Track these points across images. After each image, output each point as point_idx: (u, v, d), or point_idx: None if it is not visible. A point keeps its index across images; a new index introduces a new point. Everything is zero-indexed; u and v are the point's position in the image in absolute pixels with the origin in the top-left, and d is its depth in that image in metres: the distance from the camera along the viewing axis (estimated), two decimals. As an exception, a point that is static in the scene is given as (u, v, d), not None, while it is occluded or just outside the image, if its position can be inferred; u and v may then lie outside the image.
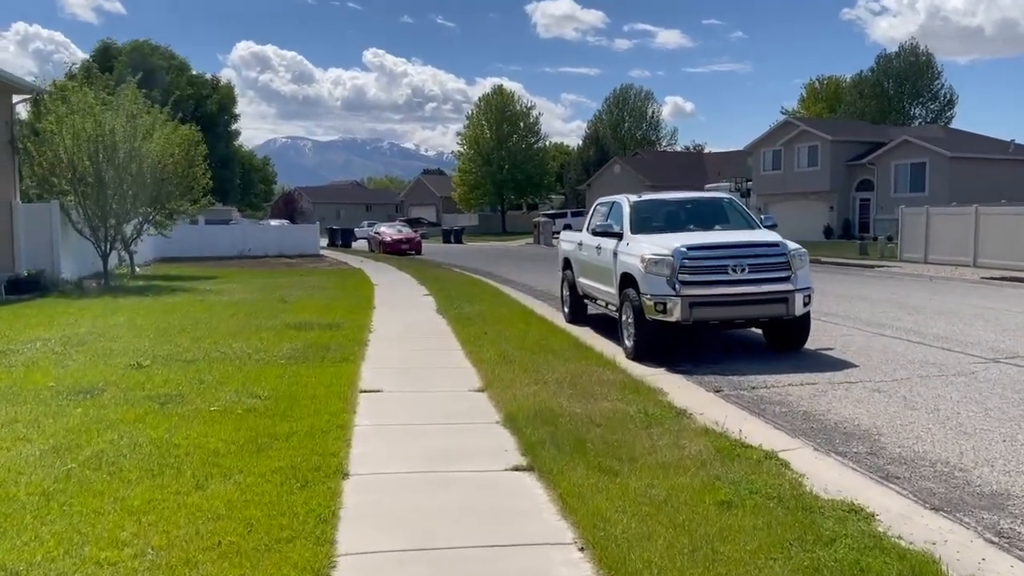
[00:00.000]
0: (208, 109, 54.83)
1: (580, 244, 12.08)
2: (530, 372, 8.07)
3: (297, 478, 4.78)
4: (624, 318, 9.62)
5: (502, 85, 72.36)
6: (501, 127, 69.32)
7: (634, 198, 10.97)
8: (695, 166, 63.36)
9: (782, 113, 71.58)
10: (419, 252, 38.54)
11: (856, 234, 38.78)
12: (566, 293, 12.88)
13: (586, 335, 10.91)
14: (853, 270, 24.22)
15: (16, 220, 17.95)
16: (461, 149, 71.70)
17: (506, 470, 5.10)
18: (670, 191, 13.13)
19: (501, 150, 68.67)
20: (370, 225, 55.53)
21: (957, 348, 9.62)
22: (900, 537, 4.08)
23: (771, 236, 9.66)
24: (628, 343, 9.48)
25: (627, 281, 9.57)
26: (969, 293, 16.70)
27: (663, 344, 9.17)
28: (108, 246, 19.45)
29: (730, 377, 8.22)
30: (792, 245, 9.28)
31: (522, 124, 70.58)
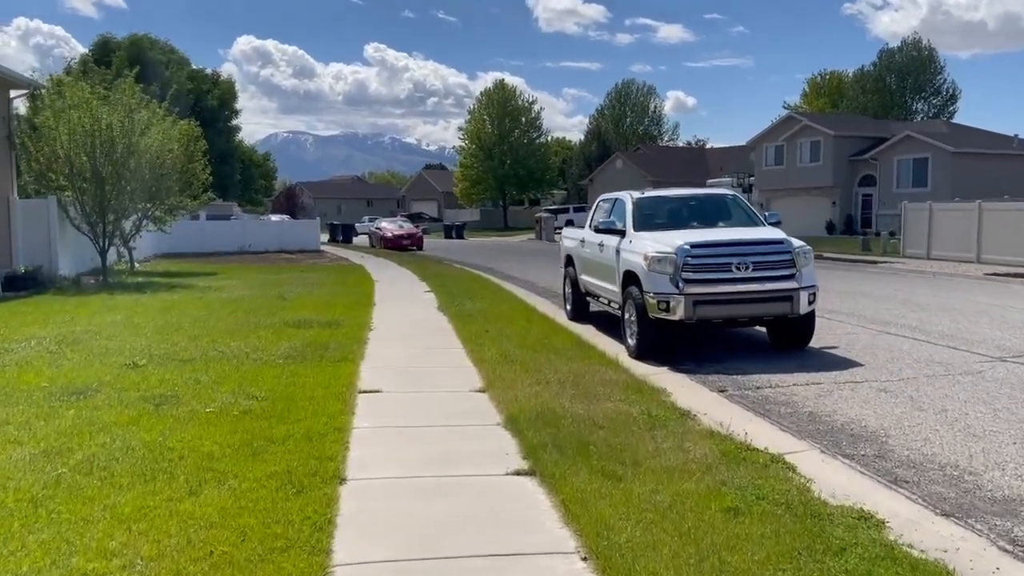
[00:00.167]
0: (208, 104, 54.75)
1: (582, 241, 11.96)
2: (532, 371, 7.95)
3: (293, 483, 4.67)
4: (627, 316, 9.51)
5: (504, 80, 72.22)
6: (503, 122, 69.09)
7: (637, 195, 10.85)
8: (697, 161, 63.21)
9: (784, 108, 71.35)
10: (420, 248, 38.41)
11: (858, 230, 38.65)
12: (568, 290, 12.77)
13: (588, 333, 10.79)
14: (856, 266, 24.10)
15: (13, 216, 17.82)
16: (463, 144, 71.51)
17: (507, 474, 4.99)
18: (672, 187, 13.02)
19: (503, 145, 68.46)
20: (371, 220, 55.41)
21: (963, 346, 9.50)
22: (911, 546, 3.97)
23: (775, 233, 9.54)
24: (631, 341, 9.37)
25: (630, 279, 9.46)
26: (973, 290, 16.58)
27: (666, 343, 9.07)
28: (106, 242, 19.33)
29: (734, 376, 8.11)
30: (797, 242, 9.15)
31: (524, 119, 70.35)
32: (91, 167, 18.15)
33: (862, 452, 5.65)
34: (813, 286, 9.05)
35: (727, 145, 67.34)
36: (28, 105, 20.22)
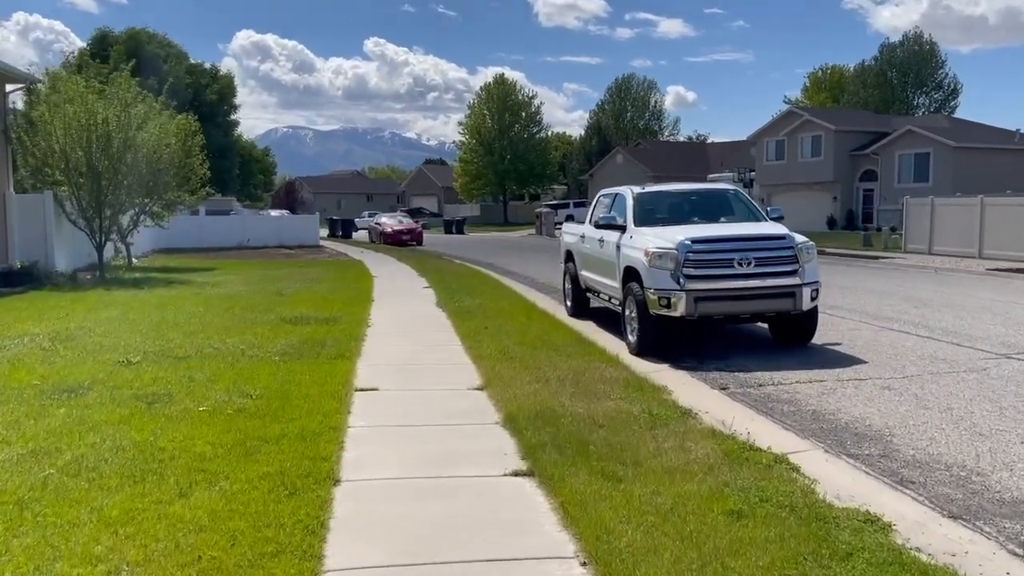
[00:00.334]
0: (207, 98, 54.51)
1: (583, 236, 11.84)
2: (531, 369, 7.85)
3: (286, 485, 4.56)
4: (627, 313, 9.40)
5: (504, 74, 71.94)
6: (503, 116, 68.89)
7: (638, 190, 10.74)
8: (698, 156, 63.05)
9: (785, 103, 71.17)
10: (420, 243, 38.29)
11: (859, 225, 38.50)
12: (568, 286, 12.65)
13: (588, 329, 10.68)
14: (857, 261, 23.99)
15: (9, 211, 17.69)
16: (463, 139, 71.31)
17: (505, 475, 4.88)
18: (673, 182, 12.90)
19: (503, 140, 68.27)
20: (371, 215, 55.24)
21: (967, 343, 9.40)
22: (919, 550, 3.87)
23: (778, 229, 9.43)
24: (631, 338, 9.26)
25: (631, 275, 9.35)
26: (975, 285, 16.47)
27: (667, 339, 8.96)
28: (103, 237, 19.19)
29: (736, 374, 8.01)
30: (799, 238, 9.04)
31: (524, 113, 70.16)
32: (87, 162, 18.01)
33: (867, 452, 5.55)
34: (816, 282, 8.95)
35: (728, 140, 67.14)
36: (25, 99, 20.07)
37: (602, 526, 4.03)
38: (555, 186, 77.37)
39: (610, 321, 10.81)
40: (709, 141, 76.64)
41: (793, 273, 8.78)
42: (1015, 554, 3.93)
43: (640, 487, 4.57)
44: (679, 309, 8.58)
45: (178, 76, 44.29)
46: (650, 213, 10.15)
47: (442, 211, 77.33)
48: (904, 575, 3.57)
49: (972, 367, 8.11)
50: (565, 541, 3.96)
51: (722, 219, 10.32)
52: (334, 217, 50.77)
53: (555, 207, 52.75)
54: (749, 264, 8.66)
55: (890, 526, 4.12)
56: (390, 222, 41.37)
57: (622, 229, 10.01)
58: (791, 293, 8.74)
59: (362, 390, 7.09)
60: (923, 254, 25.10)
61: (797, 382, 7.63)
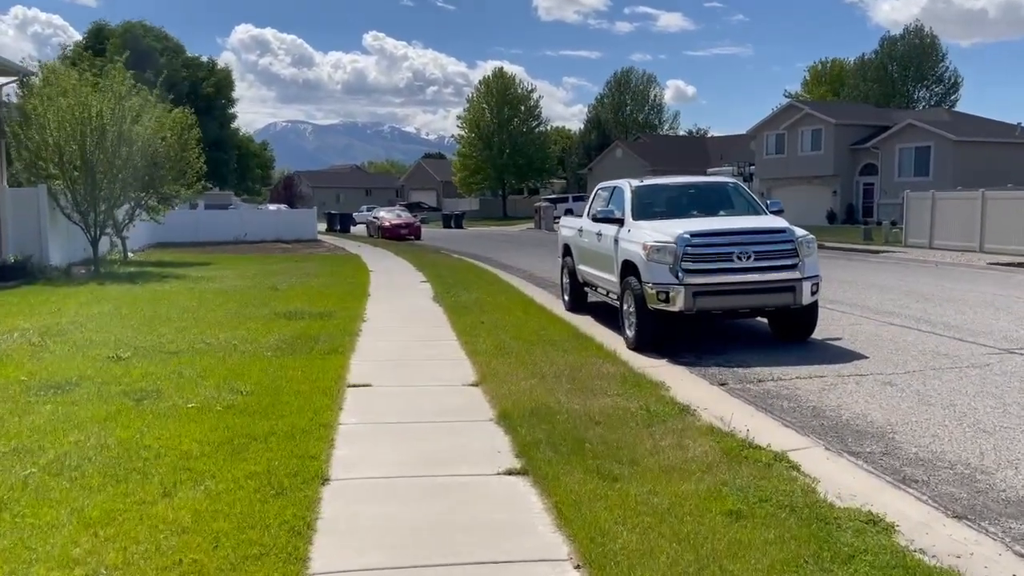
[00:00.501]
0: (204, 92, 54.26)
1: (580, 230, 11.71)
2: (527, 364, 7.73)
3: (272, 484, 4.45)
4: (625, 307, 9.28)
5: (503, 68, 71.67)
6: (502, 110, 68.66)
7: (636, 183, 10.60)
8: (698, 150, 62.84)
9: (785, 96, 70.87)
10: (418, 237, 38.15)
11: (860, 219, 38.35)
12: (566, 281, 12.53)
13: (586, 324, 10.57)
14: (857, 255, 23.86)
15: (3, 205, 17.54)
16: (462, 133, 71.07)
17: (498, 474, 4.77)
18: (673, 175, 12.75)
19: (502, 134, 68.04)
20: (369, 210, 55.03)
21: (969, 338, 9.28)
22: (923, 551, 3.76)
23: (778, 222, 9.30)
24: (629, 333, 9.15)
25: (628, 269, 9.22)
26: (977, 279, 16.36)
27: (665, 334, 8.85)
28: (98, 231, 19.04)
29: (735, 369, 7.89)
30: (800, 232, 8.92)
31: (523, 108, 69.91)
32: (81, 155, 17.84)
33: (868, 449, 5.43)
34: (816, 276, 8.83)
35: (728, 134, 66.98)
36: (18, 92, 19.89)
37: (597, 527, 3.91)
38: (554, 180, 77.15)
39: (608, 316, 10.69)
40: (709, 135, 76.44)
41: (793, 267, 8.67)
42: (1021, 556, 3.82)
43: (636, 486, 4.46)
44: (677, 303, 8.46)
45: (174, 69, 44.03)
46: (648, 206, 10.02)
47: (441, 205, 77.13)
48: (908, 579, 3.46)
49: (975, 362, 7.99)
50: (559, 543, 3.84)
51: (721, 212, 10.19)
52: (332, 211, 50.58)
53: (554, 201, 52.52)
54: (748, 258, 8.54)
55: (893, 527, 4.01)
56: (388, 216, 41.23)
57: (620, 223, 9.88)
58: (791, 287, 8.62)
59: (355, 386, 6.98)
60: (924, 248, 24.99)
61: (797, 378, 7.51)
